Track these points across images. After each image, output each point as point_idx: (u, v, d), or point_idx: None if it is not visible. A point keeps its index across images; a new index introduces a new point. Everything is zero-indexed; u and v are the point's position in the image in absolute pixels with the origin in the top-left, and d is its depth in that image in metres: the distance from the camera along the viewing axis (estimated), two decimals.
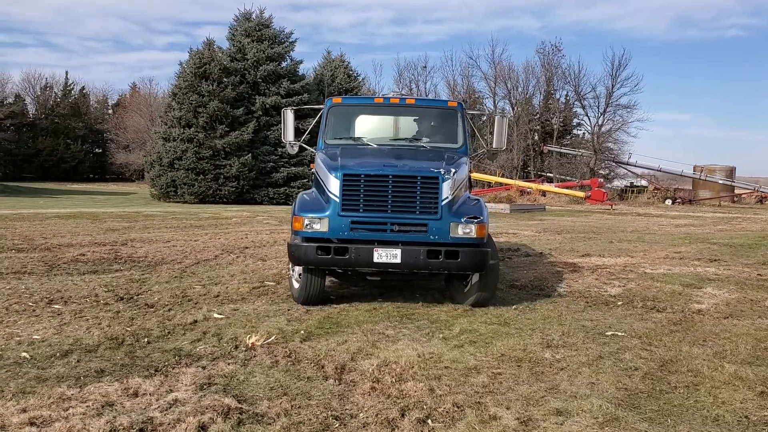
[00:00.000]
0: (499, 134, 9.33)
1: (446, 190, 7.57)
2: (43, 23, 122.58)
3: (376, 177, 7.57)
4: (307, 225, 7.56)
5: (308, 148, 9.69)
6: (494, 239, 8.64)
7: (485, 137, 9.69)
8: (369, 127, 9.52)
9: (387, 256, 7.36)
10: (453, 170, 7.84)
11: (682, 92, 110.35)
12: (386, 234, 7.49)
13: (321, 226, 7.52)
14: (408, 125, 9.61)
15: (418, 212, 7.52)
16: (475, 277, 7.97)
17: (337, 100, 9.50)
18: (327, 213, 7.54)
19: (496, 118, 9.55)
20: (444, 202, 7.52)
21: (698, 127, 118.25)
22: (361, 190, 7.52)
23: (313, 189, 8.45)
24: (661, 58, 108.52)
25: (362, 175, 7.56)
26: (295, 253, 7.60)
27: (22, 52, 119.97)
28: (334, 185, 7.59)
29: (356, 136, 9.25)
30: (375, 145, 8.93)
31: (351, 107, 9.81)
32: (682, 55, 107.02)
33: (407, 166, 7.89)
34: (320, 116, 9.40)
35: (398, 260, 7.38)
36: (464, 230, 7.51)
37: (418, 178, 7.57)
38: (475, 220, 7.56)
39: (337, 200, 7.51)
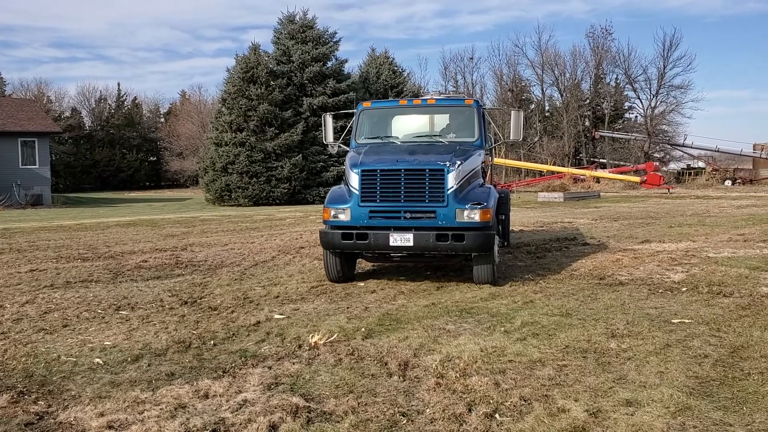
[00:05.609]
0: (515, 127, 10.13)
1: (451, 180, 8.32)
2: (97, 36, 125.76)
3: (390, 171, 8.46)
4: (333, 215, 8.64)
5: (346, 147, 10.45)
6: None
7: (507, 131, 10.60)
8: (408, 125, 10.50)
9: (401, 240, 8.27)
10: (459, 162, 8.54)
11: (741, 68, 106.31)
12: (400, 221, 8.40)
13: (345, 216, 8.57)
14: (442, 121, 10.59)
15: (427, 200, 8.36)
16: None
17: (367, 104, 10.63)
18: (349, 204, 8.57)
19: (513, 112, 10.43)
20: (450, 191, 8.30)
21: (758, 104, 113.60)
22: (377, 184, 8.47)
23: (342, 184, 9.26)
24: (718, 34, 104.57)
25: (378, 170, 8.50)
26: (324, 239, 8.73)
27: (78, 66, 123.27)
28: (354, 180, 8.57)
29: (394, 134, 10.18)
30: (399, 142, 9.86)
31: (380, 110, 10.87)
32: (739, 30, 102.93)
33: (417, 160, 8.66)
34: (353, 119, 10.35)
35: (411, 243, 8.26)
36: (469, 215, 8.25)
37: (426, 170, 8.38)
38: (479, 206, 8.27)
39: (357, 193, 8.53)
